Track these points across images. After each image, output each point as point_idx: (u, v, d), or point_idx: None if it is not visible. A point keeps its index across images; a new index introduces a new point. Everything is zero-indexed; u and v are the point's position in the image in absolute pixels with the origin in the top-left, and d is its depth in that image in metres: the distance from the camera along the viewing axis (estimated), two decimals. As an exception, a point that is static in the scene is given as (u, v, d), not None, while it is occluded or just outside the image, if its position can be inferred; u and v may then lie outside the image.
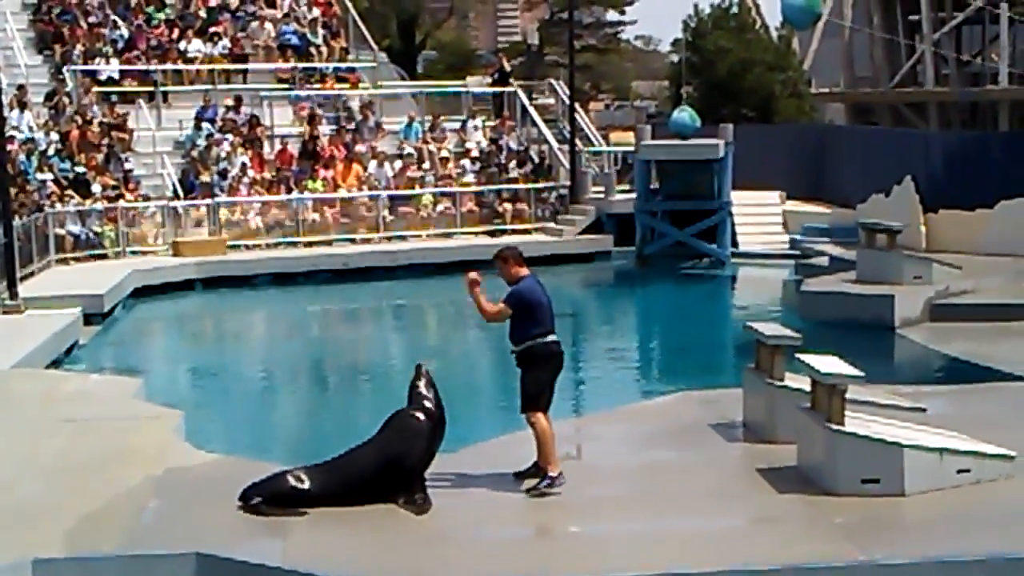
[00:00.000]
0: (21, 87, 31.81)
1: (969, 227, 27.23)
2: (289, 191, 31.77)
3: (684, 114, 33.29)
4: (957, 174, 28.58)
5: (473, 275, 11.24)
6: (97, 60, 33.89)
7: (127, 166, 30.89)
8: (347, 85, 35.93)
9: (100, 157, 30.77)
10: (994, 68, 54.15)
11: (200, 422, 15.52)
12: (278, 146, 33.04)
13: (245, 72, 35.41)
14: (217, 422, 17.07)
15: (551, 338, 11.13)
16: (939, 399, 14.07)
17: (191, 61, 34.82)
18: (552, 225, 33.45)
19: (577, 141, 35.01)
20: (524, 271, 11.32)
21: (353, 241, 31.59)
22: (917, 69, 56.36)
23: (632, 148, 34.31)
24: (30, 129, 30.80)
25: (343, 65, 36.87)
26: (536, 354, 11.09)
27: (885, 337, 21.02)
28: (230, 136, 32.47)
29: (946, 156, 29.65)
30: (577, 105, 37.24)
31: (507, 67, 38.67)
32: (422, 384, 10.98)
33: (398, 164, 33.43)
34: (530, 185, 33.88)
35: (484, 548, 10.00)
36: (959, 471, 10.79)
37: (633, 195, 33.09)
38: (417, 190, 32.93)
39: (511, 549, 10.04)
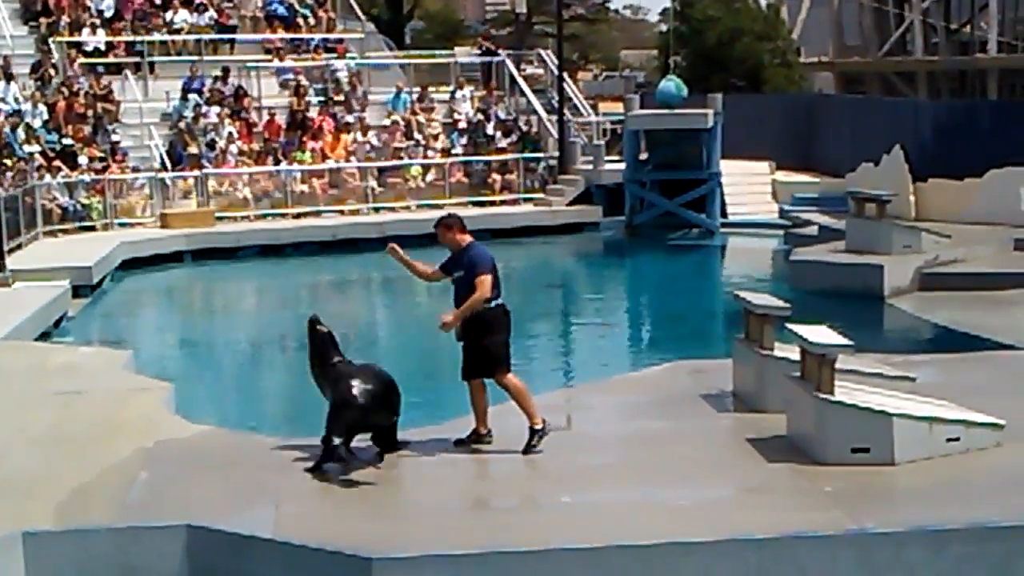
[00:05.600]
0: (6, 58, 31.68)
1: (958, 196, 27.23)
2: (277, 162, 31.70)
3: (670, 84, 33.25)
4: (946, 143, 28.60)
5: (445, 321, 11.18)
6: (83, 31, 33.73)
7: (114, 137, 30.80)
8: (335, 56, 35.81)
9: (87, 129, 30.68)
10: (983, 36, 54.09)
11: (190, 394, 15.50)
12: (266, 117, 32.94)
13: (232, 43, 35.28)
14: (207, 394, 17.08)
15: (501, 300, 11.23)
16: (928, 368, 14.08)
17: (177, 32, 34.66)
18: (541, 196, 33.41)
19: (566, 111, 34.95)
20: (468, 237, 11.35)
21: (341, 212, 31.54)
22: (906, 38, 56.28)
23: (621, 118, 34.26)
24: (16, 101, 30.71)
25: (331, 36, 36.75)
26: (497, 316, 11.17)
27: (874, 306, 21.05)
28: (217, 107, 32.37)
29: (935, 125, 29.65)
30: (566, 75, 37.17)
31: (493, 48, 38.47)
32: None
33: (386, 135, 33.35)
34: (519, 155, 33.82)
35: (476, 518, 10.01)
36: (948, 440, 10.80)
37: (622, 165, 33.06)
38: (405, 161, 32.86)
39: (503, 518, 10.05)
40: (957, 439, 10.83)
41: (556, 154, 34.19)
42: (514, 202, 32.96)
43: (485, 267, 11.12)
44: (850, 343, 10.92)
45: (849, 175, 29.42)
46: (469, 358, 11.20)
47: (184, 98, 32.52)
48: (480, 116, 34.95)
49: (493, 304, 11.12)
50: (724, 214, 32.19)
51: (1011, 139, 26.83)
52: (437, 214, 33.18)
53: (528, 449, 11.17)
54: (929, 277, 21.98)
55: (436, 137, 33.97)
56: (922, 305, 20.96)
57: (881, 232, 23.14)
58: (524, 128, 35.06)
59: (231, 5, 36.23)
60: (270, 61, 34.76)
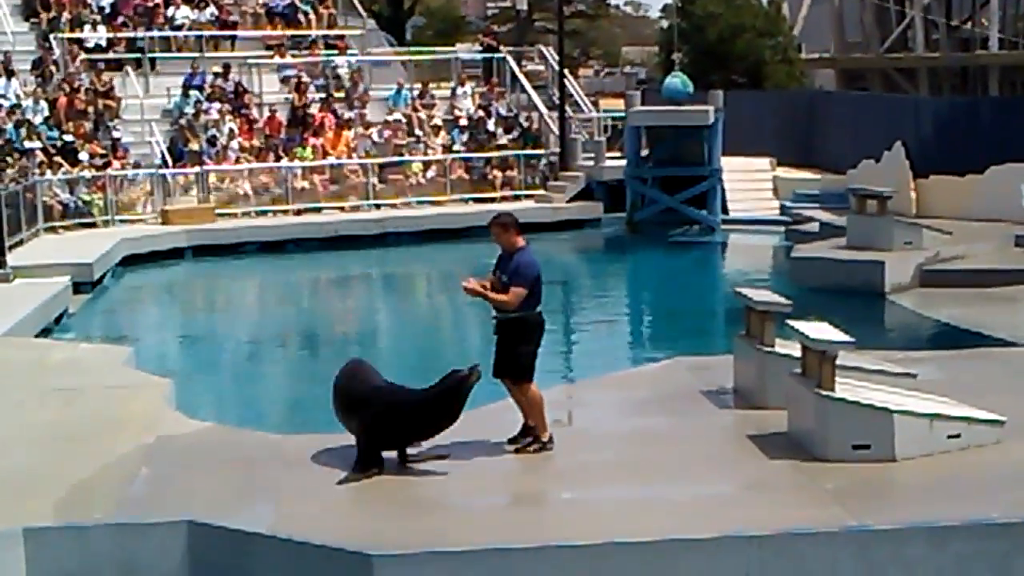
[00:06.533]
0: (7, 55, 31.66)
1: (959, 193, 27.25)
2: (278, 159, 31.69)
3: (676, 80, 33.25)
4: (947, 140, 28.58)
5: (468, 284, 11.13)
6: (84, 27, 33.73)
7: (115, 134, 30.79)
8: (335, 52, 35.80)
9: (88, 125, 30.68)
10: (984, 33, 54.00)
11: (190, 390, 15.49)
12: (266, 113, 32.93)
13: (233, 39, 35.29)
14: (207, 390, 17.06)
15: (539, 309, 11.18)
16: (929, 364, 14.07)
17: (178, 28, 34.68)
18: (542, 192, 33.41)
19: (567, 107, 34.93)
20: (522, 241, 11.31)
21: (342, 209, 31.53)
22: (907, 34, 56.19)
23: (622, 114, 34.24)
24: (17, 97, 30.70)
25: (331, 32, 36.75)
26: (531, 324, 11.13)
27: (875, 303, 21.05)
28: (218, 103, 32.36)
29: (936, 122, 29.63)
30: (567, 71, 37.15)
31: (494, 44, 38.43)
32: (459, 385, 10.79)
33: (387, 132, 33.35)
34: (520, 152, 33.80)
35: (476, 515, 10.00)
36: (949, 436, 10.80)
37: (623, 162, 33.05)
38: (406, 157, 32.85)
39: (504, 516, 10.05)
40: (958, 436, 10.83)
41: (557, 150, 34.18)
42: (515, 198, 32.94)
43: (526, 280, 11.01)
44: (851, 340, 10.91)
45: (850, 172, 29.44)
46: (501, 358, 11.19)
47: (185, 94, 32.51)
48: (481, 112, 34.93)
49: (533, 312, 11.09)
50: (725, 210, 32.16)
51: (1012, 136, 26.82)
52: (438, 211, 33.14)
53: (521, 450, 11.18)
54: (930, 274, 21.98)
55: (437, 133, 33.95)
56: (923, 302, 20.96)
57: (882, 228, 23.13)
58: (525, 124, 35.04)
59: (232, 2, 36.23)
60: (271, 57, 34.76)
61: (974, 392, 12.02)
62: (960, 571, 9.14)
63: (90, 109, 31.10)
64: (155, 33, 34.22)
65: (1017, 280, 21.05)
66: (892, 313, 20.85)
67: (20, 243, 25.19)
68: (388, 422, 10.65)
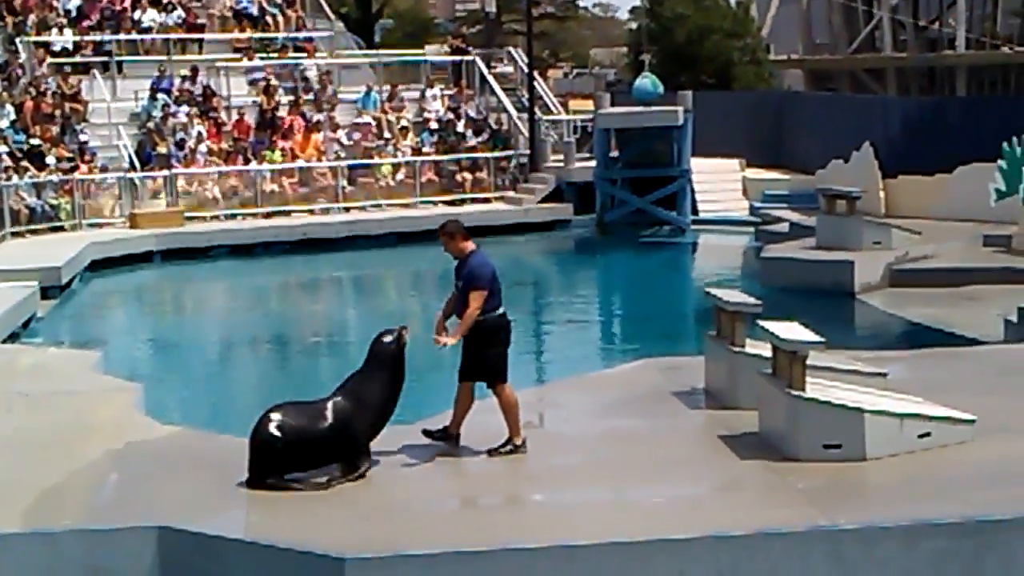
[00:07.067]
0: (-27, 59, 31.51)
1: (928, 192, 27.36)
2: (247, 162, 31.58)
3: (646, 81, 33.31)
4: (916, 140, 28.69)
5: (443, 340, 11.05)
6: (50, 30, 33.56)
7: (82, 137, 30.63)
8: (304, 55, 35.70)
9: (55, 129, 30.52)
10: (951, 34, 54.26)
11: (160, 395, 15.45)
12: (235, 116, 32.83)
13: (201, 42, 35.16)
14: (177, 394, 17.00)
15: (503, 310, 11.14)
16: (899, 364, 14.10)
17: (146, 31, 34.53)
18: (512, 194, 33.40)
19: (536, 109, 34.93)
20: (471, 244, 11.26)
21: (312, 212, 31.45)
22: (875, 35, 56.39)
23: (591, 116, 34.27)
24: (-17, 101, 30.52)
25: (300, 34, 36.66)
26: (497, 326, 11.10)
27: (845, 303, 21.11)
28: (186, 107, 32.24)
29: (905, 122, 29.75)
30: (536, 73, 37.16)
31: (463, 46, 38.42)
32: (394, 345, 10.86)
33: (356, 134, 33.29)
34: (489, 154, 33.79)
35: (448, 518, 9.97)
36: (920, 436, 10.83)
37: (593, 163, 33.07)
38: (376, 160, 32.80)
39: (475, 518, 10.03)
40: (928, 435, 10.85)
41: (527, 152, 34.19)
42: (485, 200, 32.93)
43: (482, 281, 10.97)
44: (821, 340, 10.93)
45: (819, 172, 29.53)
46: (467, 362, 11.17)
47: (153, 98, 32.38)
48: (450, 115, 34.90)
49: (495, 314, 11.06)
50: (695, 211, 32.24)
51: (980, 136, 26.92)
52: (408, 213, 32.99)
53: (494, 452, 11.15)
54: (899, 273, 22.05)
55: (406, 136, 33.90)
56: (892, 301, 21.02)
57: (851, 228, 23.21)
58: (495, 126, 35.03)
59: (199, 4, 36.12)
60: (239, 60, 34.64)
61: (944, 391, 12.05)
62: (932, 570, 9.15)
63: (57, 113, 30.93)
64: (122, 36, 34.06)
65: (986, 279, 21.15)
66: (862, 313, 20.91)
67: (-13, 248, 25.06)
68: (362, 419, 10.60)
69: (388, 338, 10.85)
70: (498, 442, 11.22)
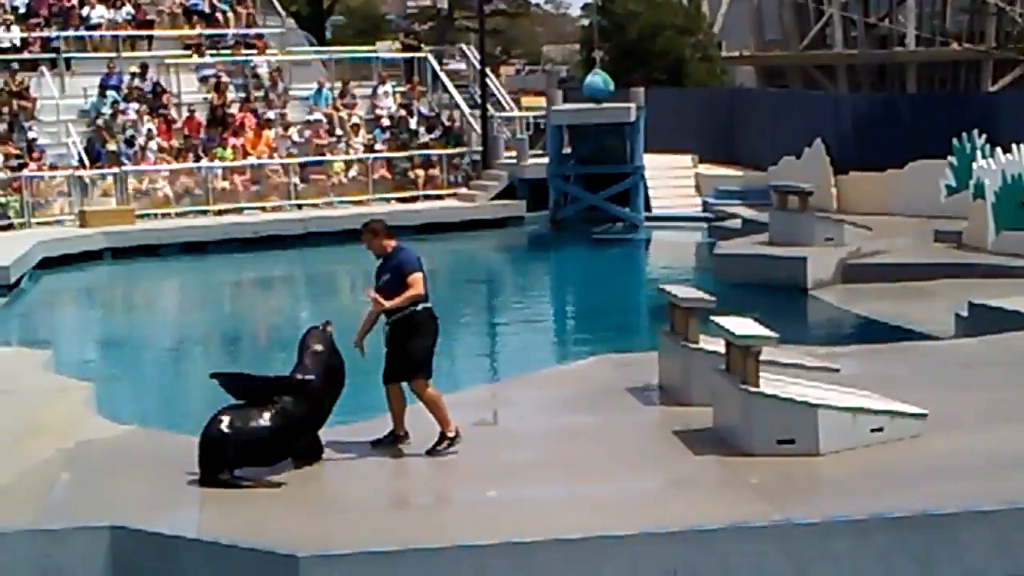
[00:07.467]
0: (-81, 56, 31.19)
1: (879, 188, 27.52)
2: (198, 159, 31.42)
3: (597, 78, 33.30)
4: (867, 136, 28.87)
5: (372, 294, 11.09)
6: (-2, 27, 33.28)
7: (31, 135, 30.39)
8: (255, 51, 35.53)
9: (2, 126, 30.29)
10: (901, 31, 54.66)
11: (111, 394, 15.34)
12: (185, 114, 32.64)
13: (150, 39, 34.93)
14: (129, 393, 16.89)
15: (430, 305, 11.14)
16: (852, 359, 14.18)
17: (94, 27, 34.26)
18: (465, 191, 33.37)
19: (488, 106, 34.91)
20: (394, 242, 11.25)
21: (264, 209, 31.32)
22: (826, 32, 56.76)
23: (544, 112, 34.28)
24: (-70, 98, 30.23)
25: (250, 31, 36.47)
26: (424, 320, 11.07)
27: (798, 298, 21.19)
28: (136, 104, 32.03)
29: (855, 118, 29.92)
30: (488, 70, 37.13)
31: (414, 43, 38.35)
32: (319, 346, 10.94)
33: (308, 131, 33.17)
34: (442, 151, 33.75)
35: (402, 515, 9.96)
36: (872, 430, 10.88)
37: (545, 160, 33.07)
38: (328, 157, 32.69)
39: (430, 515, 10.01)
40: (881, 429, 10.91)
41: (479, 149, 34.17)
42: (437, 197, 32.89)
43: (418, 265, 11.03)
44: (774, 335, 10.97)
45: (771, 168, 29.64)
46: (391, 361, 11.11)
47: (102, 95, 32.15)
48: (403, 112, 34.83)
49: (421, 307, 11.03)
50: (648, 208, 32.28)
51: (930, 132, 27.07)
52: (361, 210, 32.97)
53: (433, 451, 11.09)
54: (851, 269, 22.15)
55: (358, 133, 33.81)
56: (845, 297, 21.13)
57: (804, 224, 23.31)
58: (447, 123, 34.99)
59: (148, 1, 35.85)
60: (189, 57, 34.45)
61: (896, 386, 12.12)
62: (883, 563, 9.19)
63: (5, 110, 30.68)
64: (70, 33, 33.81)
65: (937, 274, 21.26)
66: (814, 308, 21.00)
67: (-65, 246, 24.83)
68: (308, 408, 10.67)
69: (314, 332, 11.05)
70: (432, 441, 11.13)
